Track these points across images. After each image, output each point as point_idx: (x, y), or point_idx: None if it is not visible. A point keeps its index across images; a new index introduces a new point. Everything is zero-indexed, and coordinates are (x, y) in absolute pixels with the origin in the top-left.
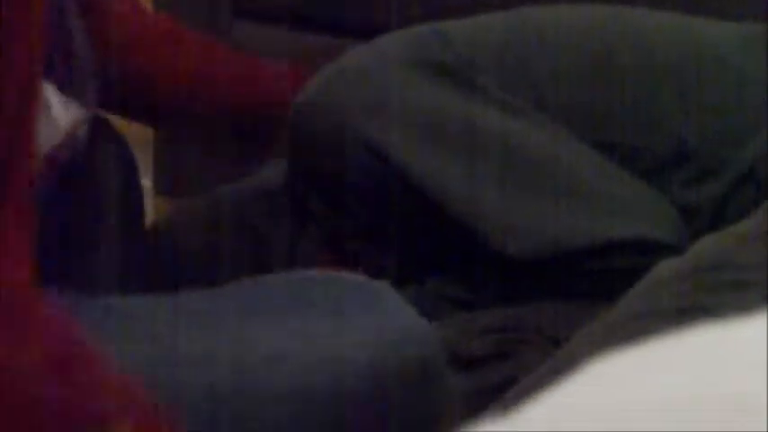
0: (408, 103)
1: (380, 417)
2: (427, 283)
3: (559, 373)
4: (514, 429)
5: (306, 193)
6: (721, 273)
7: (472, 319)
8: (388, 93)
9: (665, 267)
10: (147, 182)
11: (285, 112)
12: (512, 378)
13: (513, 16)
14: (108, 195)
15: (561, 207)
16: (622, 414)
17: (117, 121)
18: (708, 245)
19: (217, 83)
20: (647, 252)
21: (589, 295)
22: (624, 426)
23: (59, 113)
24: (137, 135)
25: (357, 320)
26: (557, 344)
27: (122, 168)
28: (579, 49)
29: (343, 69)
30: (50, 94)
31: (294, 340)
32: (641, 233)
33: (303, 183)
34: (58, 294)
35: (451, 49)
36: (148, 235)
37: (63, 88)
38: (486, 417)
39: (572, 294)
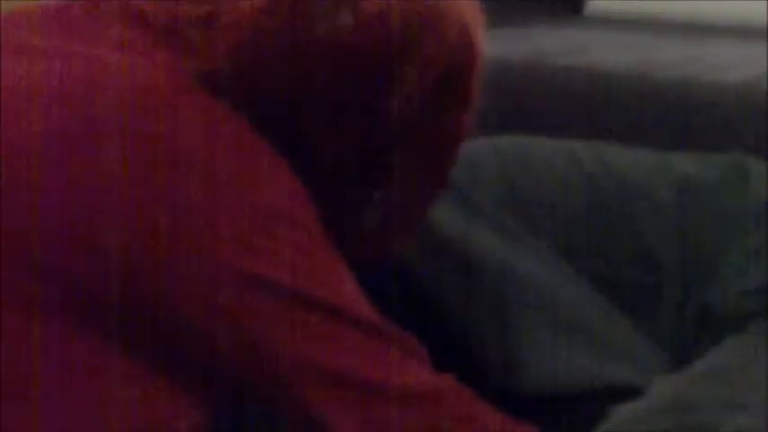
0: None
1: None
2: None
3: None
4: None
5: None
6: (682, 414)
7: None
8: None
9: (626, 409)
10: None
11: None
12: None
13: (502, 142)
14: None
15: (561, 345)
16: None
17: None
18: (666, 387)
19: None
20: (629, 396)
21: None
22: None
23: None
24: None
25: None
26: None
27: None
28: (566, 180)
29: None
30: None
31: None
32: (633, 381)
33: None
34: None
35: None
36: None
37: None
38: None
39: None
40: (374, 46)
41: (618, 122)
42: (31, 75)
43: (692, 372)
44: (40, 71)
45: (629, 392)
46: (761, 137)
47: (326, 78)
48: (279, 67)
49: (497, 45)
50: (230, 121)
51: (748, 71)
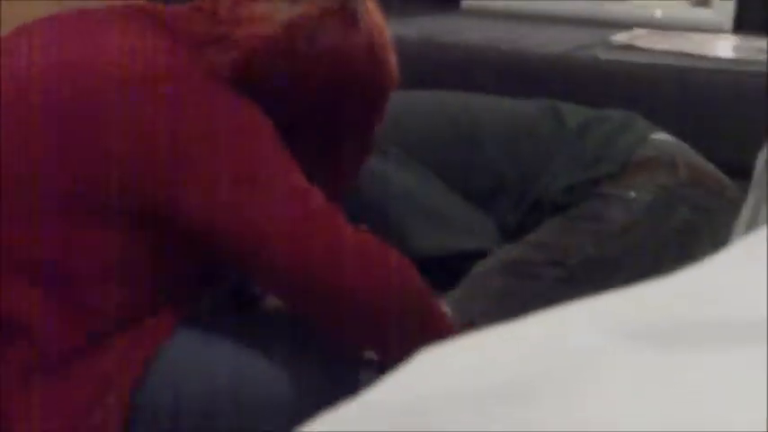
0: None
1: None
2: None
3: None
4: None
5: None
6: (518, 267)
7: None
8: None
9: (481, 264)
10: None
11: None
12: None
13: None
14: None
15: (433, 227)
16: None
17: None
18: (507, 249)
19: None
20: (477, 257)
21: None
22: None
23: None
24: None
25: None
26: None
27: None
28: (435, 119)
29: None
30: None
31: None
32: (479, 246)
33: None
34: None
35: None
36: None
37: None
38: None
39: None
40: (330, 74)
41: (485, 80)
42: (45, 51)
43: (523, 241)
44: (52, 48)
45: (480, 255)
46: (577, 89)
47: (303, 89)
48: (277, 76)
49: (395, 30)
50: (224, 93)
51: (564, 46)
